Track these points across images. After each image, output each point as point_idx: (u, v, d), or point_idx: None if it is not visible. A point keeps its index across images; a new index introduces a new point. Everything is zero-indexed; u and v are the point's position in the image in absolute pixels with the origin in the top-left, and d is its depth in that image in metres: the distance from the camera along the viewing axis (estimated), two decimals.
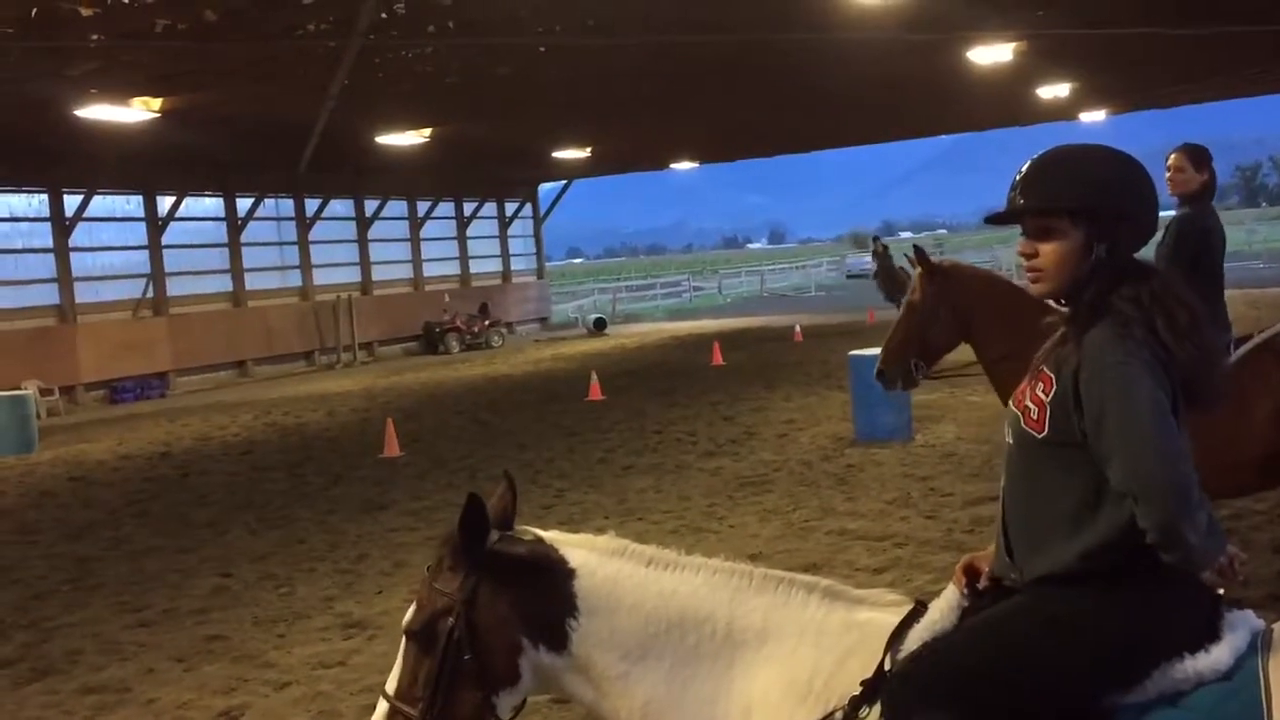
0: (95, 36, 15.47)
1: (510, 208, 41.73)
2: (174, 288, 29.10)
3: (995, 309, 6.12)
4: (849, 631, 2.59)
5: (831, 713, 2.47)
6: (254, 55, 17.17)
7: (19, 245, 25.97)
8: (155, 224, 28.71)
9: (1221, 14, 18.58)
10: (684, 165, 41.50)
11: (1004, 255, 52.36)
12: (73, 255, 26.66)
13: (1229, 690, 2.26)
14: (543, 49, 18.19)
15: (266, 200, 31.26)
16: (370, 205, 35.08)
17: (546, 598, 2.72)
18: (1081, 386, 2.36)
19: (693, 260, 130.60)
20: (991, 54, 20.80)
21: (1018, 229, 2.57)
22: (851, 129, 35.10)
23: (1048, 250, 2.49)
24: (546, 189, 44.51)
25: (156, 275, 28.59)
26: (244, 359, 30.28)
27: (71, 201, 26.48)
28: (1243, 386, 5.11)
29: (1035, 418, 2.45)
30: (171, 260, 29.10)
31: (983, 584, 2.58)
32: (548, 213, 44.37)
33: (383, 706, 2.76)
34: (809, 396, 16.91)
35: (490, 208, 40.64)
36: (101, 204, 27.24)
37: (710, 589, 2.70)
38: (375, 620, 7.66)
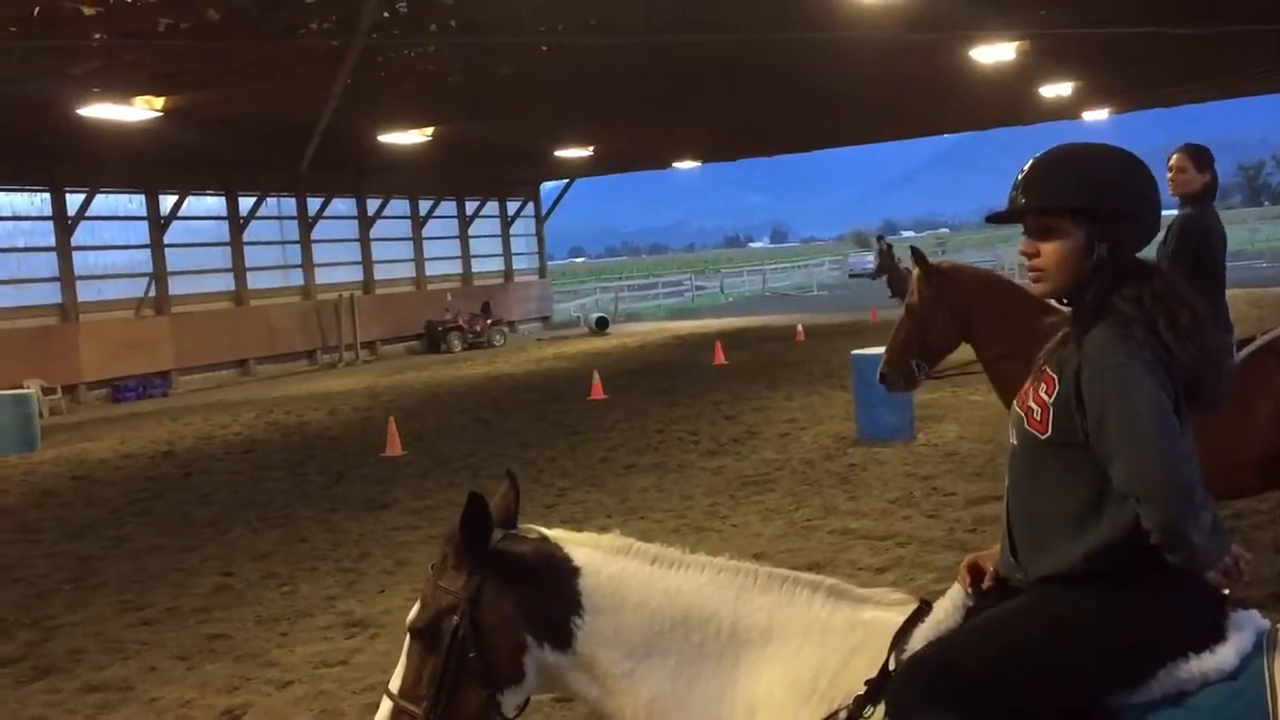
0: (98, 35, 15.47)
1: (512, 207, 41.74)
2: (176, 287, 29.12)
3: (994, 309, 6.12)
4: (854, 631, 2.59)
5: (836, 712, 2.47)
6: (256, 54, 17.18)
7: (21, 244, 25.99)
8: (157, 223, 28.73)
9: (1224, 13, 18.57)
10: (686, 164, 41.50)
11: (1006, 254, 52.36)
12: (75, 254, 26.68)
13: (1234, 690, 2.25)
14: (545, 48, 18.19)
15: (269, 199, 31.28)
16: (372, 204, 35.10)
17: (551, 596, 2.72)
18: (1083, 387, 2.36)
19: (695, 259, 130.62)
20: (994, 53, 20.78)
21: (1020, 228, 2.57)
22: (853, 128, 35.09)
23: (1049, 250, 2.48)
24: (548, 188, 44.55)
25: (159, 274, 28.61)
26: (246, 358, 30.30)
27: (74, 200, 26.50)
28: (1245, 388, 5.10)
29: (1039, 418, 2.44)
30: (174, 259, 29.13)
31: (986, 584, 2.58)
32: (549, 212, 44.38)
33: (386, 705, 2.76)
34: (811, 396, 16.91)
35: (492, 207, 40.65)
36: (104, 203, 27.26)
37: (715, 588, 2.70)
38: (377, 619, 7.67)
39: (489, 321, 34.97)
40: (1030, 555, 2.47)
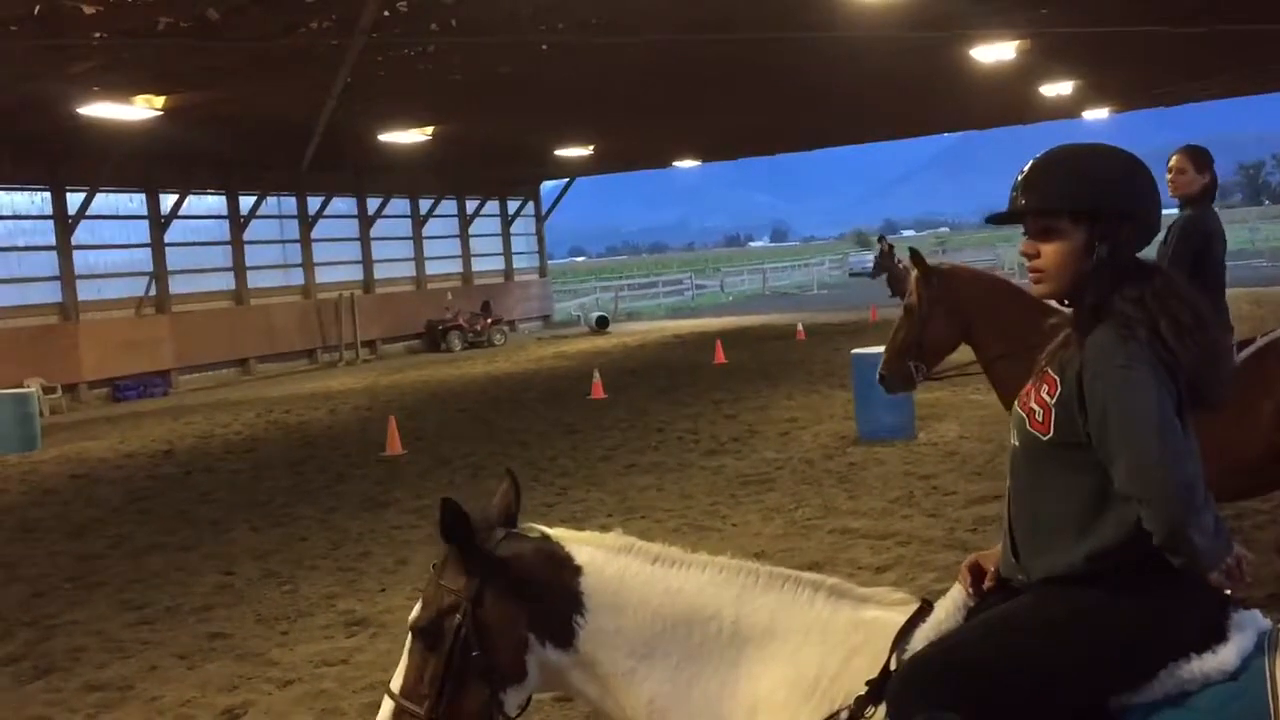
0: (98, 34, 15.47)
1: (512, 206, 41.74)
2: (176, 286, 29.11)
3: (992, 310, 6.13)
4: (855, 630, 2.59)
5: (837, 712, 2.48)
6: (256, 53, 17.17)
7: (21, 243, 25.98)
8: (158, 222, 28.73)
9: (1225, 12, 18.56)
10: (686, 163, 41.50)
11: (1006, 254, 52.41)
12: (75, 253, 26.67)
13: (1235, 690, 2.26)
14: (545, 47, 18.18)
15: (269, 198, 31.27)
16: (373, 203, 35.10)
17: (553, 595, 2.72)
18: (1085, 388, 2.36)
19: (695, 258, 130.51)
20: (994, 52, 20.78)
21: (1020, 228, 2.56)
22: (854, 127, 35.09)
23: (1049, 250, 2.48)
24: (549, 187, 44.55)
25: (159, 273, 28.61)
26: (246, 357, 30.30)
27: (74, 199, 26.49)
28: (1245, 389, 5.11)
29: (1040, 420, 2.44)
30: (174, 258, 29.12)
31: (987, 584, 2.58)
32: (550, 211, 44.38)
33: (388, 705, 2.76)
34: (811, 395, 16.91)
35: (493, 206, 40.65)
36: (104, 202, 27.24)
37: (716, 587, 2.70)
38: (378, 618, 7.67)
39: (489, 321, 34.97)
40: (1032, 556, 2.47)
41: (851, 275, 57.81)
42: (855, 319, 30.87)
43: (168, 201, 28.85)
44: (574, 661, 2.73)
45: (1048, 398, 2.44)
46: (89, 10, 14.12)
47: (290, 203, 32.64)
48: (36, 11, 14.08)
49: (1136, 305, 2.37)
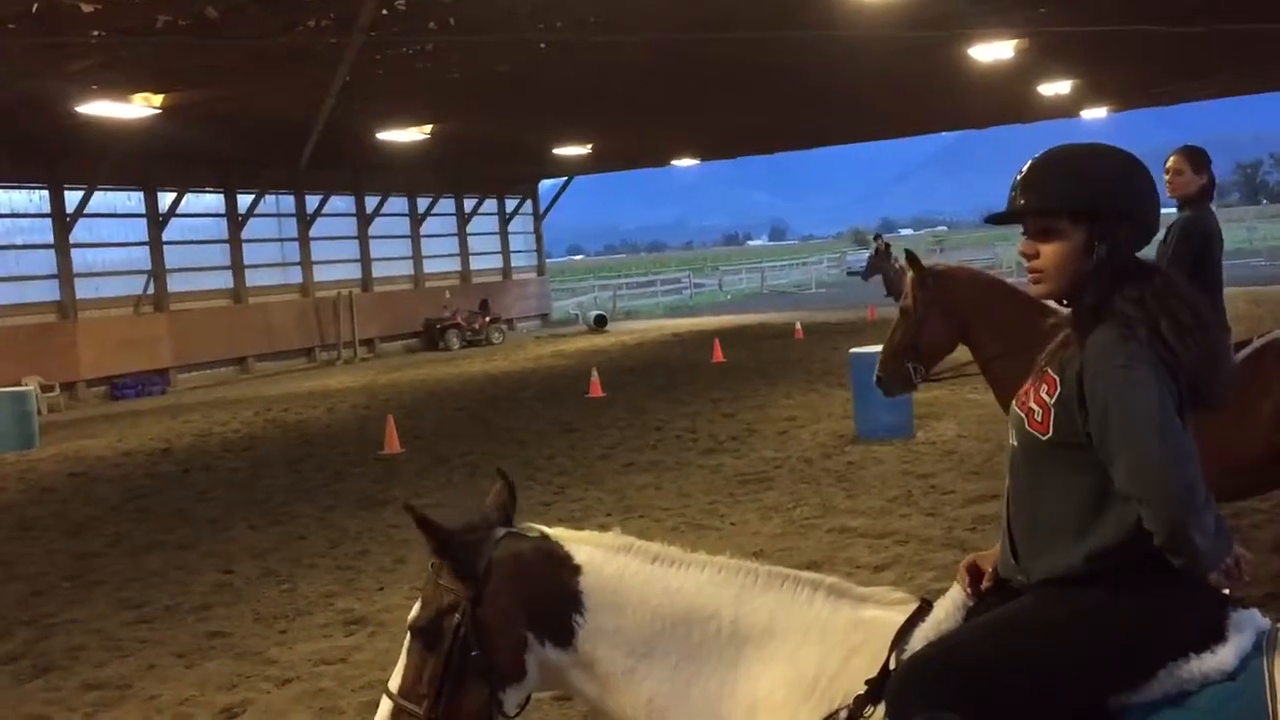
0: (96, 32, 15.46)
1: (511, 204, 41.73)
2: (175, 284, 29.10)
3: (988, 310, 6.13)
4: (854, 630, 2.59)
5: (836, 711, 2.48)
6: (255, 51, 17.17)
7: (19, 241, 25.97)
8: (156, 220, 28.72)
9: (1222, 11, 18.57)
10: (685, 162, 41.48)
11: (1004, 253, 52.43)
12: (73, 251, 26.66)
13: (1234, 690, 2.26)
14: (543, 45, 18.18)
15: (267, 196, 31.26)
16: (371, 202, 35.08)
17: (552, 594, 2.73)
18: (1085, 388, 2.36)
19: (693, 257, 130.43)
20: (992, 51, 20.78)
21: (1018, 227, 2.57)
22: (853, 126, 35.10)
23: (1048, 251, 2.48)
24: (547, 186, 44.55)
25: (157, 272, 28.60)
26: (245, 355, 30.30)
27: (72, 197, 26.48)
28: (1243, 390, 5.11)
29: (1040, 419, 2.44)
30: (172, 257, 29.10)
31: (986, 584, 2.58)
32: (548, 209, 44.38)
33: (386, 704, 2.76)
34: (810, 394, 16.92)
35: (491, 204, 40.64)
36: (102, 200, 27.23)
37: (715, 586, 2.70)
38: (376, 617, 7.67)
39: (487, 319, 34.97)
40: (1031, 556, 2.47)
41: (849, 274, 57.73)
42: (853, 318, 30.88)
43: (166, 200, 28.83)
44: (573, 661, 2.73)
45: (1047, 397, 2.44)
46: (87, 8, 14.11)
47: (288, 201, 32.63)
48: (35, 9, 14.06)
49: (1137, 305, 2.37)
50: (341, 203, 34.24)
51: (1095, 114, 33.98)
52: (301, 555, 9.61)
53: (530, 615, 2.71)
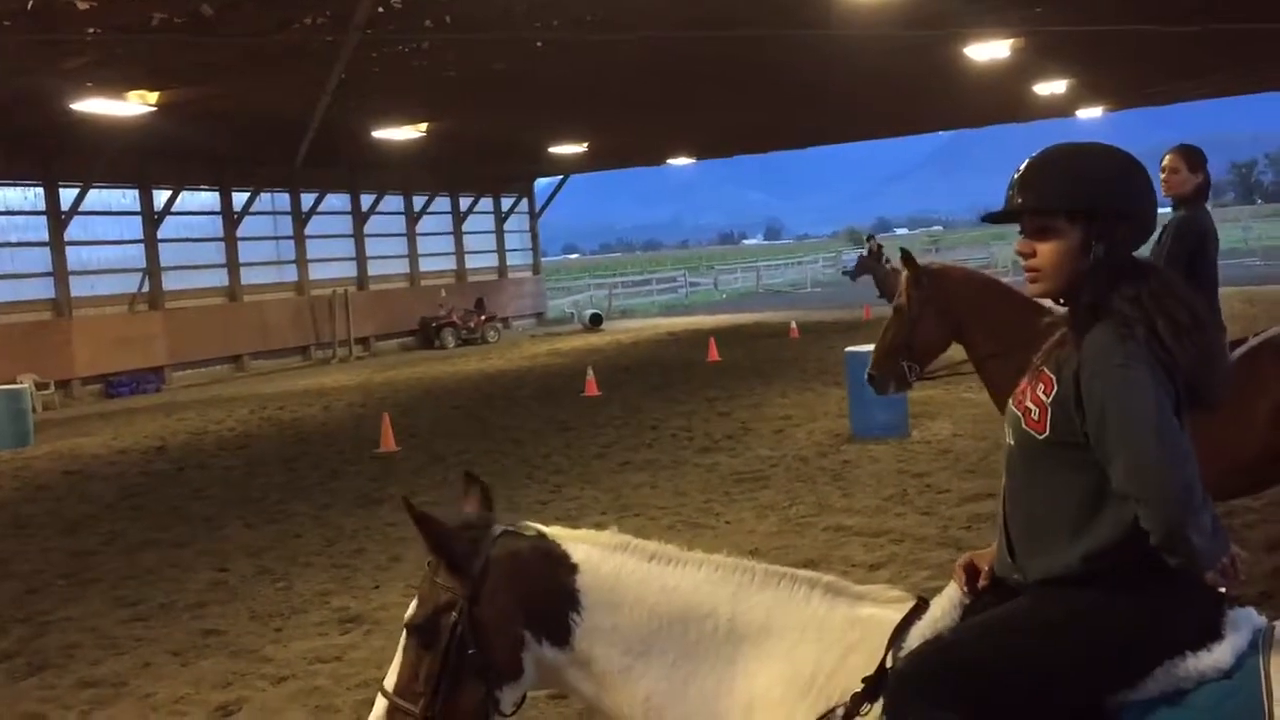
0: (91, 30, 15.44)
1: (506, 203, 41.73)
2: (169, 282, 29.06)
3: (983, 310, 6.14)
4: (851, 628, 2.60)
5: (833, 709, 2.48)
6: (250, 49, 17.15)
7: (14, 239, 25.92)
8: (151, 218, 28.68)
9: (1218, 11, 18.60)
10: (681, 161, 41.49)
11: (1000, 252, 52.44)
12: (68, 249, 26.62)
13: (1230, 688, 2.26)
14: (539, 44, 18.18)
15: (262, 194, 31.24)
16: (366, 200, 35.07)
17: (550, 592, 2.72)
18: (1083, 388, 2.36)
19: (689, 256, 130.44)
20: (988, 50, 20.81)
21: (1014, 226, 2.57)
22: (849, 125, 35.13)
23: (1045, 250, 2.48)
24: (543, 184, 44.54)
25: (152, 269, 28.56)
26: (240, 354, 30.27)
27: (67, 195, 26.44)
28: (1240, 389, 5.12)
29: (1036, 418, 2.45)
30: (167, 254, 29.07)
31: (982, 583, 2.58)
32: (544, 208, 44.38)
33: (381, 703, 2.75)
34: (805, 392, 16.93)
35: (486, 203, 40.63)
36: (97, 198, 27.19)
37: (712, 584, 2.70)
38: (372, 615, 7.67)
39: (483, 318, 34.95)
40: (1027, 556, 2.47)
41: (845, 273, 57.78)
42: (849, 317, 30.89)
43: (161, 197, 28.79)
44: (570, 659, 2.72)
45: (1044, 396, 2.44)
46: (83, 5, 14.10)
47: (284, 199, 32.61)
48: (30, 6, 14.04)
49: (1134, 305, 2.37)
50: (337, 201, 34.21)
51: (1091, 113, 34.04)
52: (297, 553, 9.60)
53: (527, 613, 2.71)
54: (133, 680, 6.80)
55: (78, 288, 26.74)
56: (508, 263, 41.76)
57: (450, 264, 38.94)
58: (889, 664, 2.47)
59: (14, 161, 25.09)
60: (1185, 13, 18.41)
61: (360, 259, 35.08)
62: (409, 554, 9.04)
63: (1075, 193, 2.45)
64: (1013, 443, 2.54)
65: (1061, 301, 2.53)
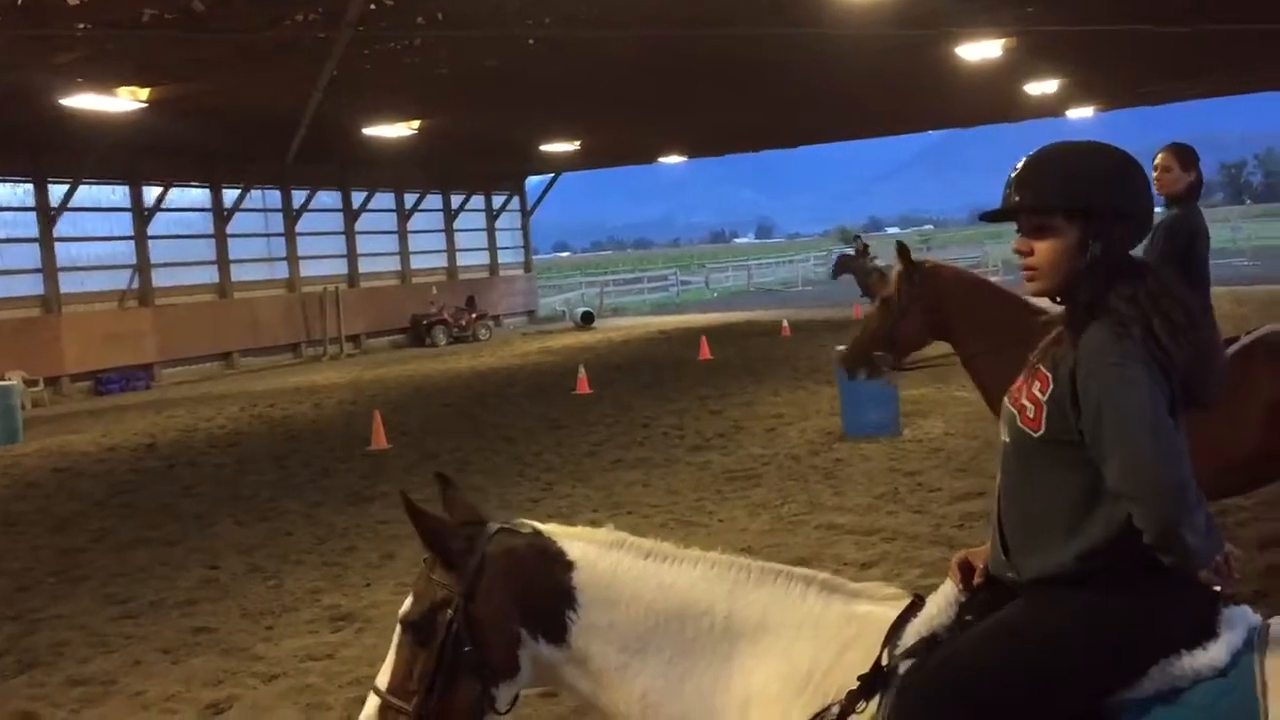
0: (82, 25, 15.38)
1: (498, 200, 41.68)
2: (159, 279, 28.97)
3: (973, 309, 6.15)
4: (847, 625, 2.60)
5: (829, 706, 2.48)
6: (241, 46, 17.10)
7: (3, 235, 25.81)
8: (141, 214, 28.59)
9: (1210, 11, 18.65)
10: (672, 159, 41.48)
11: (992, 251, 52.58)
12: (58, 245, 26.51)
13: (1225, 686, 2.27)
14: (531, 41, 18.16)
15: (253, 191, 31.14)
16: (357, 197, 35.01)
17: (546, 590, 2.72)
18: (1079, 386, 2.36)
19: (680, 254, 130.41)
20: (980, 50, 20.84)
21: (1006, 226, 2.57)
22: (840, 124, 35.14)
23: (1043, 248, 2.48)
24: (534, 182, 44.50)
25: (142, 266, 28.47)
26: (230, 351, 30.20)
27: (57, 191, 26.34)
28: (1233, 387, 5.12)
29: (1032, 416, 2.45)
30: (157, 251, 28.97)
31: (977, 580, 2.58)
32: (535, 206, 44.34)
33: (373, 701, 2.74)
34: (797, 391, 16.94)
35: (478, 200, 40.58)
36: (87, 194, 27.08)
37: (709, 582, 2.70)
38: (364, 613, 7.65)
39: (474, 315, 34.91)
40: (1022, 554, 2.47)
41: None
42: (840, 315, 30.88)
43: (151, 194, 28.71)
44: (566, 657, 2.72)
45: (1039, 394, 2.44)
46: (73, 1, 14.04)
47: (275, 196, 32.53)
48: (20, 2, 13.98)
49: (1130, 303, 2.37)
50: (328, 198, 34.14)
51: (1082, 113, 34.10)
52: (288, 551, 9.57)
53: (523, 611, 2.71)
54: (123, 678, 6.78)
55: (67, 284, 26.64)
56: (499, 260, 41.72)
57: (441, 261, 38.89)
58: (885, 661, 2.47)
59: (3, 157, 25.00)
60: (1176, 13, 18.46)
61: (351, 256, 35.03)
62: (401, 552, 9.03)
63: (1073, 192, 2.44)
64: (1008, 440, 2.54)
65: (1058, 300, 2.53)
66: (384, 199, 36.08)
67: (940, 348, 6.52)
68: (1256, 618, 2.40)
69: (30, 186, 26.21)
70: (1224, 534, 2.39)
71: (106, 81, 18.59)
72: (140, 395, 25.25)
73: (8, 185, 25.98)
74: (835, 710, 2.46)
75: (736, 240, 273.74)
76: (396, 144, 27.71)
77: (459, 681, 2.67)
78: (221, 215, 30.68)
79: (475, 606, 2.69)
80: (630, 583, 2.70)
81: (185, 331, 28.66)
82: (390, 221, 36.79)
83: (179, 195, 29.50)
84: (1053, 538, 2.42)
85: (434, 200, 38.31)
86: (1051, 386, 2.42)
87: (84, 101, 19.24)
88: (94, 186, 27.33)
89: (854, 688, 2.46)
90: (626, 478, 11.56)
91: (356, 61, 18.38)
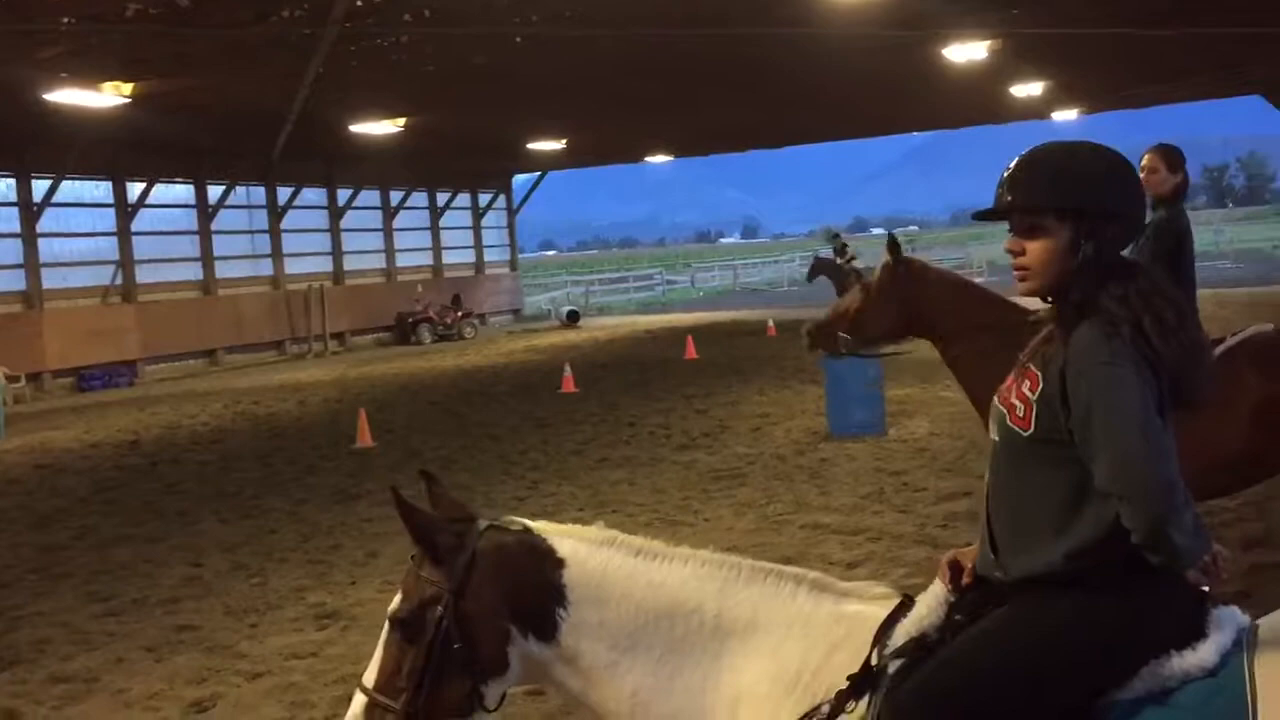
0: (66, 19, 15.29)
1: (484, 199, 41.61)
2: (143, 275, 28.81)
3: (954, 309, 6.16)
4: (837, 624, 2.59)
5: (818, 706, 2.47)
6: (227, 41, 17.03)
7: None
8: (124, 210, 28.42)
9: (1193, 15, 18.75)
10: (658, 158, 41.49)
11: (976, 252, 52.75)
12: (40, 241, 26.35)
13: (1215, 687, 2.27)
14: (519, 39, 18.13)
15: (238, 188, 31.00)
16: (343, 194, 34.89)
17: (536, 587, 2.71)
18: (1068, 385, 2.36)
19: (666, 254, 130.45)
20: (966, 52, 20.90)
21: (990, 227, 2.57)
22: (826, 124, 35.19)
23: (1034, 248, 2.48)
24: (520, 180, 44.44)
25: (125, 262, 28.31)
26: (214, 348, 30.05)
27: (40, 186, 26.17)
28: (1220, 388, 5.14)
29: (1021, 415, 2.44)
30: (141, 247, 28.81)
31: (966, 580, 2.57)
32: (521, 204, 44.28)
33: (360, 699, 2.73)
34: (782, 390, 16.96)
35: (464, 198, 40.51)
36: (70, 189, 26.93)
37: (699, 580, 2.70)
38: (348, 611, 7.62)
39: (459, 314, 34.84)
40: (1011, 553, 2.47)
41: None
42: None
43: (135, 189, 28.54)
44: (556, 654, 2.72)
45: (1029, 393, 2.44)
46: None
47: (259, 193, 32.38)
48: None
49: (1121, 303, 2.37)
50: (313, 195, 34.01)
51: (1066, 116, 34.23)
52: (272, 549, 9.53)
53: (513, 608, 2.70)
54: (105, 676, 6.74)
55: (49, 280, 26.47)
56: (485, 259, 41.65)
57: (427, 259, 38.80)
58: (874, 661, 2.47)
59: None
60: (1161, 16, 18.54)
61: (336, 254, 34.91)
62: (386, 550, 9.01)
63: (1065, 192, 2.45)
64: (997, 439, 2.53)
65: (1049, 300, 2.53)
66: (369, 196, 35.97)
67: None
68: (1245, 618, 2.40)
69: (13, 181, 26.03)
70: (1211, 535, 2.39)
71: (90, 77, 18.49)
72: (123, 392, 25.12)
73: None
74: (825, 710, 2.46)
75: (722, 240, 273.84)
76: (382, 141, 27.63)
77: (448, 679, 2.66)
78: (206, 211, 30.54)
79: (465, 603, 2.68)
80: (620, 581, 2.70)
81: (169, 328, 28.50)
82: (376, 219, 36.69)
83: (163, 191, 29.34)
84: (1042, 537, 2.41)
85: (420, 198, 38.22)
86: (1041, 385, 2.42)
87: (68, 97, 19.14)
88: (77, 182, 27.16)
89: (843, 687, 2.45)
90: (612, 476, 11.56)
91: (343, 58, 18.32)
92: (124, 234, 28.38)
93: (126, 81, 18.99)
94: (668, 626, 2.66)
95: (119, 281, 28.16)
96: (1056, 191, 2.45)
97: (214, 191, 30.58)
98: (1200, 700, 2.27)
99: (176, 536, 10.25)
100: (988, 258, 49.85)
